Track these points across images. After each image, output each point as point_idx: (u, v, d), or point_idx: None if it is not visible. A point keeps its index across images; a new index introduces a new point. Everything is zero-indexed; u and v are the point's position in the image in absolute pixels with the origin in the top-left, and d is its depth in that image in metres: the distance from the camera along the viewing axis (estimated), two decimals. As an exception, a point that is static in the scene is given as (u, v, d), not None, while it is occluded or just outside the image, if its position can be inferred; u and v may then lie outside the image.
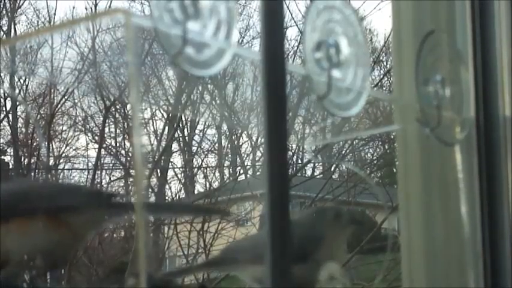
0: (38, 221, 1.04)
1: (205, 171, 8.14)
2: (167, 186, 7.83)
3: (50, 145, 6.77)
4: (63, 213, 1.06)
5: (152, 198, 6.85)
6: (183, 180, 8.27)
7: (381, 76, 5.57)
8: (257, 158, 9.23)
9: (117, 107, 7.10)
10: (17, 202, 1.06)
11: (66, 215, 1.06)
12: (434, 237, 1.04)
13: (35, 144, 6.74)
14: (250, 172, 8.29)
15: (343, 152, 5.66)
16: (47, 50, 8.41)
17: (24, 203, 1.06)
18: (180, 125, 7.61)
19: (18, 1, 8.35)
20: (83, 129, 8.74)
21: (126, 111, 7.34)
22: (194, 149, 9.40)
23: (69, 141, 8.77)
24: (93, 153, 8.03)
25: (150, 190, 6.28)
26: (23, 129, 7.97)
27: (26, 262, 1.08)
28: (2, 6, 7.75)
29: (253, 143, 9.72)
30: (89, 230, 1.17)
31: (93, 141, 8.52)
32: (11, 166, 6.86)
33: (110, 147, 8.27)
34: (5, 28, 7.94)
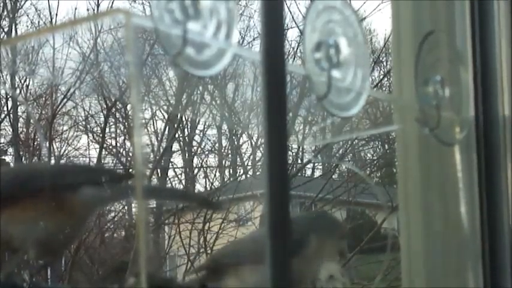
0: (39, 202, 1.02)
1: (206, 171, 8.14)
2: (168, 186, 7.83)
3: (52, 145, 6.77)
4: (65, 193, 1.03)
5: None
6: (183, 181, 8.27)
7: (381, 77, 5.57)
8: (257, 158, 9.23)
9: (118, 107, 7.10)
10: (17, 186, 1.04)
11: (68, 195, 1.04)
12: (433, 237, 1.04)
13: (36, 144, 6.75)
14: (250, 172, 8.30)
15: (343, 152, 5.65)
16: (48, 50, 8.42)
17: (25, 185, 1.04)
18: (181, 125, 7.60)
19: (19, 1, 8.35)
20: (84, 129, 8.74)
21: (127, 111, 7.34)
22: (195, 149, 9.40)
23: (71, 141, 8.78)
24: (94, 153, 8.04)
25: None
26: (24, 129, 7.97)
27: (25, 251, 1.05)
28: (3, 6, 7.75)
29: (253, 143, 9.72)
30: (91, 210, 1.15)
31: (94, 141, 8.52)
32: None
33: (110, 147, 8.27)
34: (6, 28, 7.94)
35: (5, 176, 1.07)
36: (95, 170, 1.17)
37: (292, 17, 5.67)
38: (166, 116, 7.72)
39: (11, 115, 7.40)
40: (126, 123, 7.51)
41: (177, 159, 9.20)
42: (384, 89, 5.34)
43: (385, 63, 6.74)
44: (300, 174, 5.56)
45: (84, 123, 8.65)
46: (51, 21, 8.04)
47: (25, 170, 1.15)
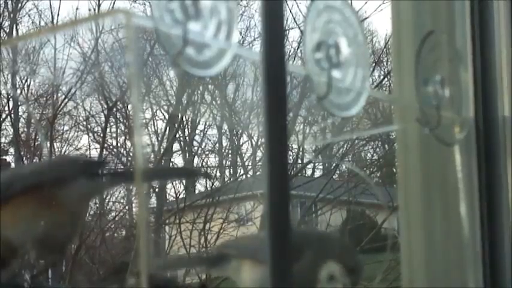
0: (30, 200, 1.01)
1: (206, 171, 8.14)
2: (168, 186, 7.84)
3: (52, 145, 6.77)
4: (55, 188, 1.01)
5: (153, 198, 6.86)
6: (184, 180, 8.26)
7: (382, 77, 5.57)
8: (258, 158, 9.23)
9: (119, 107, 7.10)
10: (7, 186, 1.03)
11: (58, 189, 1.02)
12: (433, 237, 1.04)
13: (36, 144, 6.75)
14: (250, 172, 8.30)
15: (344, 152, 5.66)
16: (49, 50, 8.42)
17: (14, 185, 1.02)
18: (181, 125, 7.61)
19: (21, 1, 8.35)
20: (85, 129, 8.74)
21: (127, 111, 7.35)
22: (195, 149, 9.40)
23: (71, 141, 8.79)
24: (94, 153, 8.03)
25: (151, 190, 6.29)
26: (25, 129, 7.98)
27: (26, 253, 1.05)
28: (4, 6, 7.76)
29: (253, 143, 9.72)
30: (84, 204, 1.12)
31: (95, 141, 8.52)
32: (12, 166, 6.87)
33: (111, 147, 8.27)
34: (7, 29, 7.94)
35: None
36: (81, 161, 1.14)
37: (293, 17, 5.66)
38: (166, 116, 7.73)
39: (12, 115, 7.40)
40: (126, 123, 7.51)
41: (178, 159, 9.20)
42: (384, 89, 5.34)
43: (385, 64, 6.74)
44: (300, 174, 5.56)
45: (85, 123, 8.66)
46: (52, 22, 8.05)
47: (6, 174, 1.13)
